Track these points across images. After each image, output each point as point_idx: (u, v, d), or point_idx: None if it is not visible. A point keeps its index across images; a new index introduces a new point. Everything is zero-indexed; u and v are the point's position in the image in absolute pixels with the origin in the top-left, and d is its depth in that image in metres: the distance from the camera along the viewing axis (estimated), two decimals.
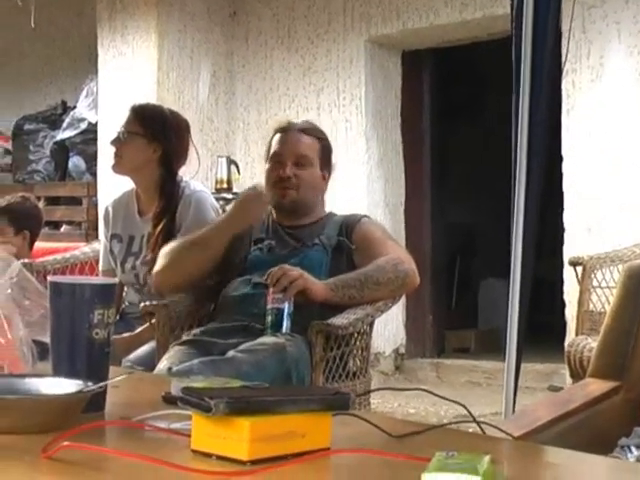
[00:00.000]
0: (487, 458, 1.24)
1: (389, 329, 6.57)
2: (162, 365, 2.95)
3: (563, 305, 5.66)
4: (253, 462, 1.28)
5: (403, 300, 3.53)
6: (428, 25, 6.35)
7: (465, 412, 1.64)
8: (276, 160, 3.27)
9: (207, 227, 3.29)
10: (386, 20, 6.51)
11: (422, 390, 1.78)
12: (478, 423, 1.58)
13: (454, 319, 7.66)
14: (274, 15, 6.99)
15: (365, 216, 3.37)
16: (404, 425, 1.65)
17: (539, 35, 3.60)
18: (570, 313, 5.44)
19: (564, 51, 4.28)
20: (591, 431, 2.21)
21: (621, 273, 2.51)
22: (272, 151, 3.31)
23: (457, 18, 6.23)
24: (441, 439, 1.55)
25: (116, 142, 3.63)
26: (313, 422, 1.36)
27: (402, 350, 6.86)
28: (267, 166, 3.31)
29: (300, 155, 3.26)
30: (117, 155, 3.64)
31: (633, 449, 2.02)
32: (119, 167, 3.67)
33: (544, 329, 6.35)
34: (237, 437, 1.29)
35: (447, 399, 1.75)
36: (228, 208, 3.51)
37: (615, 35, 5.57)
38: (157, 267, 3.29)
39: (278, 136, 3.32)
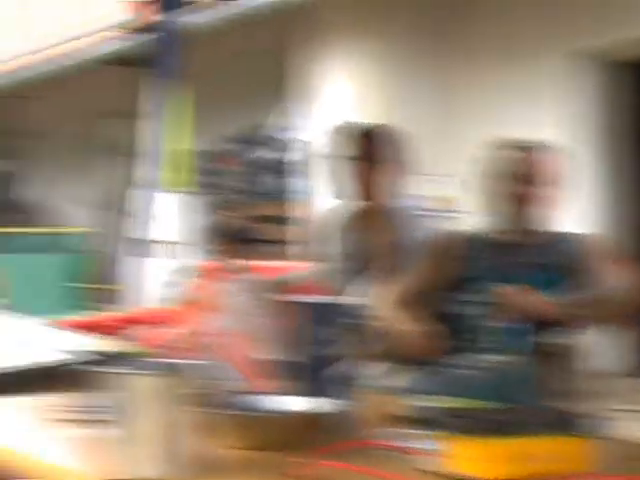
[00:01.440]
0: None
1: (613, 348, 6.41)
2: (388, 382, 2.97)
3: None
4: None
5: None
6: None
7: None
8: (511, 177, 3.24)
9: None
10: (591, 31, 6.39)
11: None
12: None
13: None
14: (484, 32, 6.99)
15: (597, 235, 3.30)
16: None
17: None
18: None
19: None
20: None
21: None
22: (505, 168, 3.27)
23: None
24: None
25: (359, 171, 3.63)
26: (567, 446, 1.34)
27: (626, 369, 6.68)
28: (496, 183, 3.28)
29: (537, 174, 3.23)
30: (362, 183, 3.63)
31: None
32: (371, 195, 3.65)
33: None
34: (489, 458, 1.27)
35: None
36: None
37: None
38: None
39: (512, 153, 3.29)
